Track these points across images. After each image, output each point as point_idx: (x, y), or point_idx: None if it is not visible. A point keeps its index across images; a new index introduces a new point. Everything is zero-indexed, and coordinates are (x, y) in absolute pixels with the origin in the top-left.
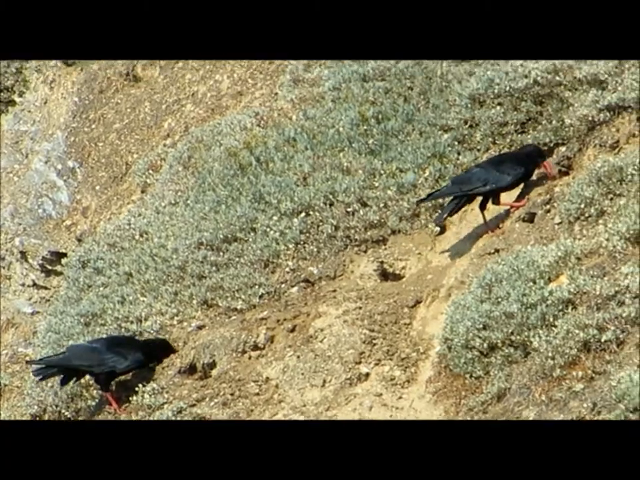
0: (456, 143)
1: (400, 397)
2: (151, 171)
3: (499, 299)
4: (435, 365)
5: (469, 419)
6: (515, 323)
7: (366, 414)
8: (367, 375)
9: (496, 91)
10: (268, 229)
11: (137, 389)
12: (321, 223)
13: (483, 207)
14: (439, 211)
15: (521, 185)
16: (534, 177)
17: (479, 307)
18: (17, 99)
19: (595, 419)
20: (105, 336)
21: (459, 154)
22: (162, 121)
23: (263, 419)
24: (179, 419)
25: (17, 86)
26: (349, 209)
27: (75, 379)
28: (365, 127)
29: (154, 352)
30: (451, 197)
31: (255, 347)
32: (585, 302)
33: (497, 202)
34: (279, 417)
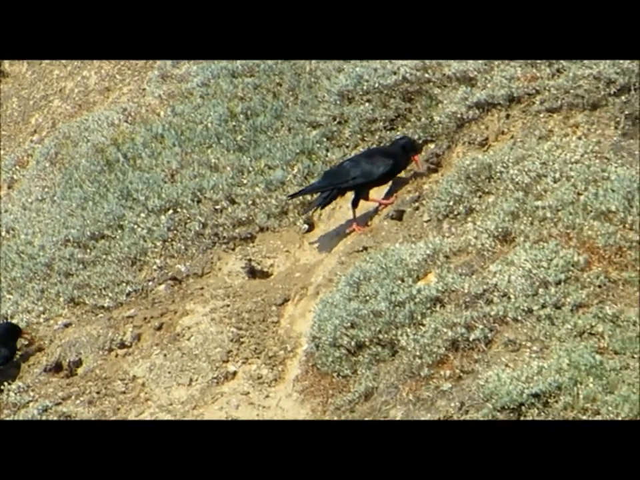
0: (325, 139)
1: (267, 396)
2: (17, 167)
3: (367, 297)
4: (302, 363)
5: (336, 418)
6: (383, 322)
7: (233, 412)
8: (234, 373)
9: (365, 87)
10: (135, 226)
11: (2, 387)
12: (188, 220)
13: (354, 203)
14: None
15: (390, 183)
16: (403, 175)
17: (346, 305)
18: None
19: (463, 418)
20: None
21: (327, 150)
22: (29, 117)
23: (129, 417)
24: (44, 417)
25: None
26: (217, 206)
27: None
28: (234, 123)
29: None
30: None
31: (122, 345)
32: (453, 300)
33: (366, 197)
34: (146, 415)
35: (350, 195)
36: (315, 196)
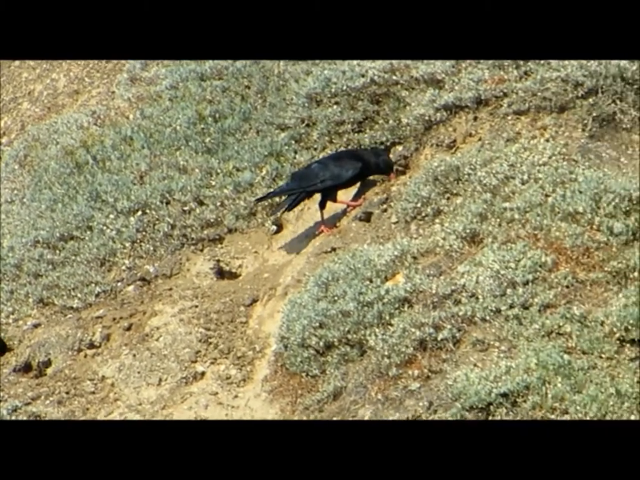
0: (293, 141)
1: (236, 396)
2: None
3: (336, 298)
4: (271, 363)
5: (304, 417)
6: (352, 322)
7: (202, 413)
8: (203, 373)
9: (333, 90)
10: (104, 228)
11: None
12: (157, 222)
13: (322, 205)
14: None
15: (358, 184)
16: (371, 177)
17: (315, 305)
18: None
19: (431, 417)
20: None
21: (295, 153)
22: None
23: (99, 417)
24: (13, 417)
25: None
26: (185, 208)
27: None
28: (202, 126)
29: None
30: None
31: (91, 346)
32: (421, 300)
33: (334, 199)
34: (115, 415)
35: (318, 197)
36: (283, 198)
